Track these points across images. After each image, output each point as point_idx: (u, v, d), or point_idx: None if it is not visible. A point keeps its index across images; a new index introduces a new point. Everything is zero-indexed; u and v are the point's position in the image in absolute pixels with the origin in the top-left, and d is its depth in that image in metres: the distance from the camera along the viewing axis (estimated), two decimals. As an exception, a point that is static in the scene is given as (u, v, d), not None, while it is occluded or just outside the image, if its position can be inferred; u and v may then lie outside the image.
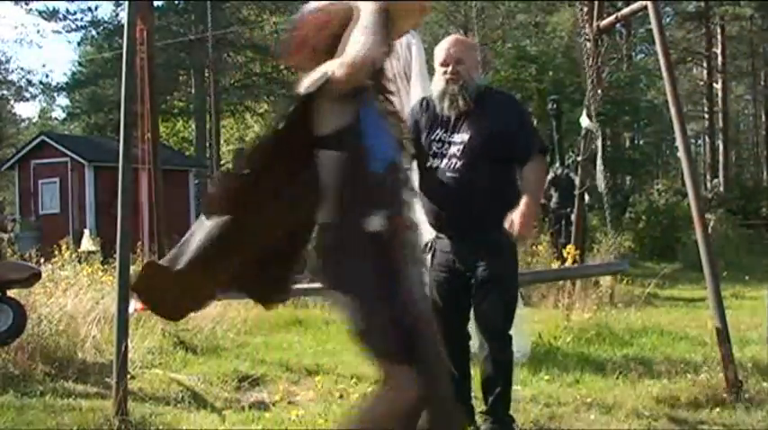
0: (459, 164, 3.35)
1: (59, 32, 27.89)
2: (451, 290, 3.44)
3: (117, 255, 4.05)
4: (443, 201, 3.38)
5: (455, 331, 3.43)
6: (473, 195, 3.33)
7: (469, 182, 3.32)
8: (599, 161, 6.86)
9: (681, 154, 4.61)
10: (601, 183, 6.95)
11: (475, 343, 4.97)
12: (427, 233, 3.50)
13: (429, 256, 3.48)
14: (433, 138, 3.42)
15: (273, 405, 4.26)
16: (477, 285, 3.41)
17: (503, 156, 3.36)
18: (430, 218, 3.46)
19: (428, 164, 3.40)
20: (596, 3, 7.44)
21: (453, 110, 3.39)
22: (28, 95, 31.15)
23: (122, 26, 4.78)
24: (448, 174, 3.37)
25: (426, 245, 3.43)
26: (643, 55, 28.07)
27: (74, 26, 25.00)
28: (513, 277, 3.54)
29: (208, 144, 22.43)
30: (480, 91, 3.45)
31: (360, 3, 2.37)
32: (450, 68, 3.40)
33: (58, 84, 28.90)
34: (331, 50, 2.35)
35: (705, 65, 28.09)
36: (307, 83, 2.34)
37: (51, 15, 24.58)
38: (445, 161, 3.38)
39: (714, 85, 27.19)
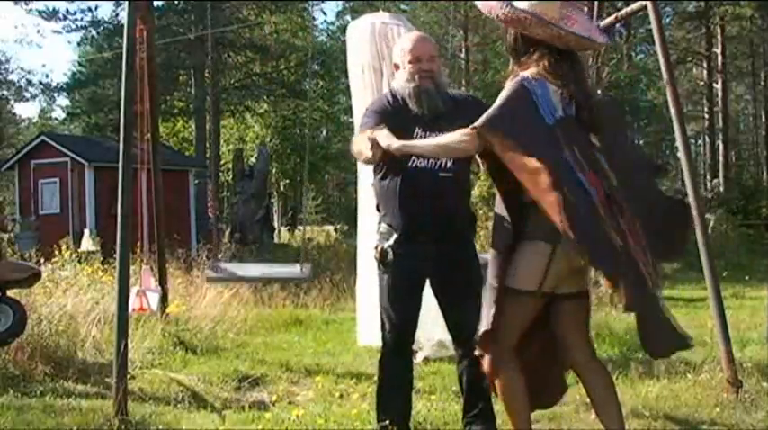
0: (449, 163, 3.22)
1: (59, 32, 27.68)
2: (411, 298, 3.34)
3: (117, 255, 4.04)
4: (432, 201, 3.21)
5: (407, 339, 3.44)
6: (448, 198, 3.27)
7: (464, 181, 3.28)
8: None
9: (681, 154, 4.61)
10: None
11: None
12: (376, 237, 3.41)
13: (382, 263, 3.35)
14: (413, 136, 3.16)
15: (273, 405, 4.27)
16: (452, 293, 3.35)
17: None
18: (403, 220, 3.28)
19: (409, 163, 3.20)
20: (596, 3, 7.44)
21: (431, 109, 3.21)
22: (28, 95, 31.11)
23: (122, 26, 4.78)
24: (441, 174, 3.22)
25: (384, 251, 3.32)
26: (643, 55, 28.06)
27: (74, 26, 24.93)
28: (478, 282, 3.42)
29: (208, 144, 22.43)
30: (448, 92, 3.37)
31: None
32: (423, 65, 3.28)
33: (58, 84, 28.90)
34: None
35: (705, 65, 28.08)
36: None
37: (51, 15, 24.53)
38: (431, 160, 3.20)
39: (714, 85, 27.19)
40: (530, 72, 2.74)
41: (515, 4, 2.75)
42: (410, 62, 3.31)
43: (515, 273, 2.76)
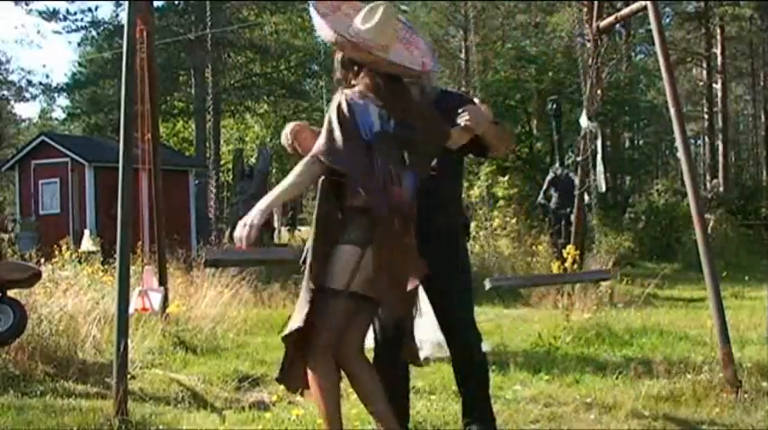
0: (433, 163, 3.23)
1: (59, 33, 27.78)
2: None
3: (117, 255, 4.05)
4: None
5: (400, 339, 3.39)
6: (441, 197, 3.28)
7: (439, 183, 3.25)
8: (599, 161, 6.86)
9: (680, 154, 4.62)
10: (602, 183, 6.95)
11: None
12: None
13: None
14: None
15: (273, 405, 4.27)
16: (441, 294, 3.35)
17: (466, 154, 3.35)
18: None
19: None
20: (596, 3, 7.44)
21: None
22: (28, 96, 31.12)
23: (122, 26, 4.78)
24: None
25: None
26: (643, 55, 28.07)
27: (74, 26, 24.94)
28: (470, 284, 3.45)
29: (208, 144, 22.43)
30: (437, 93, 3.40)
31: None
32: None
33: (58, 84, 28.88)
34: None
35: (705, 65, 28.07)
36: None
37: (51, 16, 24.54)
38: None
39: (713, 85, 27.18)
40: (353, 90, 2.99)
41: (350, 30, 2.99)
42: None
43: (328, 272, 2.93)
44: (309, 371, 3.01)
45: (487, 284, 4.28)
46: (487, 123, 3.30)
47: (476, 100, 3.58)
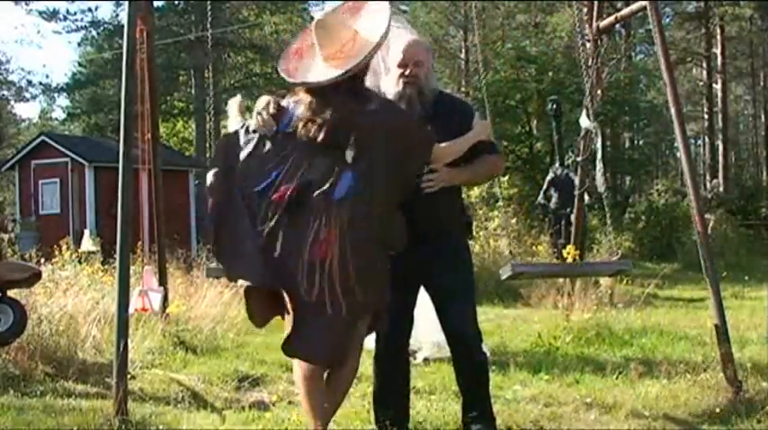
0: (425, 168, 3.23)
1: (59, 33, 27.89)
2: (398, 300, 3.21)
3: (117, 256, 4.05)
4: (413, 204, 3.16)
5: (398, 340, 3.44)
6: (439, 201, 3.26)
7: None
8: (598, 161, 6.85)
9: (681, 154, 4.62)
10: (600, 183, 6.94)
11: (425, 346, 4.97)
12: None
13: None
14: None
15: (273, 405, 4.27)
16: (442, 295, 3.36)
17: (461, 162, 3.31)
18: None
19: None
20: (596, 3, 7.45)
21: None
22: (28, 96, 31.13)
23: (122, 26, 4.78)
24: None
25: None
26: (643, 55, 28.08)
27: (74, 27, 25.02)
28: (472, 284, 3.46)
29: (208, 144, 22.43)
30: (435, 95, 3.39)
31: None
32: (408, 71, 3.30)
33: (58, 84, 28.93)
34: None
35: (705, 65, 28.08)
36: None
37: (51, 16, 24.60)
38: None
39: (713, 85, 27.19)
40: (293, 96, 3.27)
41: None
42: (397, 66, 3.35)
43: None
44: (295, 376, 3.13)
45: (508, 271, 4.06)
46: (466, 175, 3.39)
47: (476, 116, 3.49)
